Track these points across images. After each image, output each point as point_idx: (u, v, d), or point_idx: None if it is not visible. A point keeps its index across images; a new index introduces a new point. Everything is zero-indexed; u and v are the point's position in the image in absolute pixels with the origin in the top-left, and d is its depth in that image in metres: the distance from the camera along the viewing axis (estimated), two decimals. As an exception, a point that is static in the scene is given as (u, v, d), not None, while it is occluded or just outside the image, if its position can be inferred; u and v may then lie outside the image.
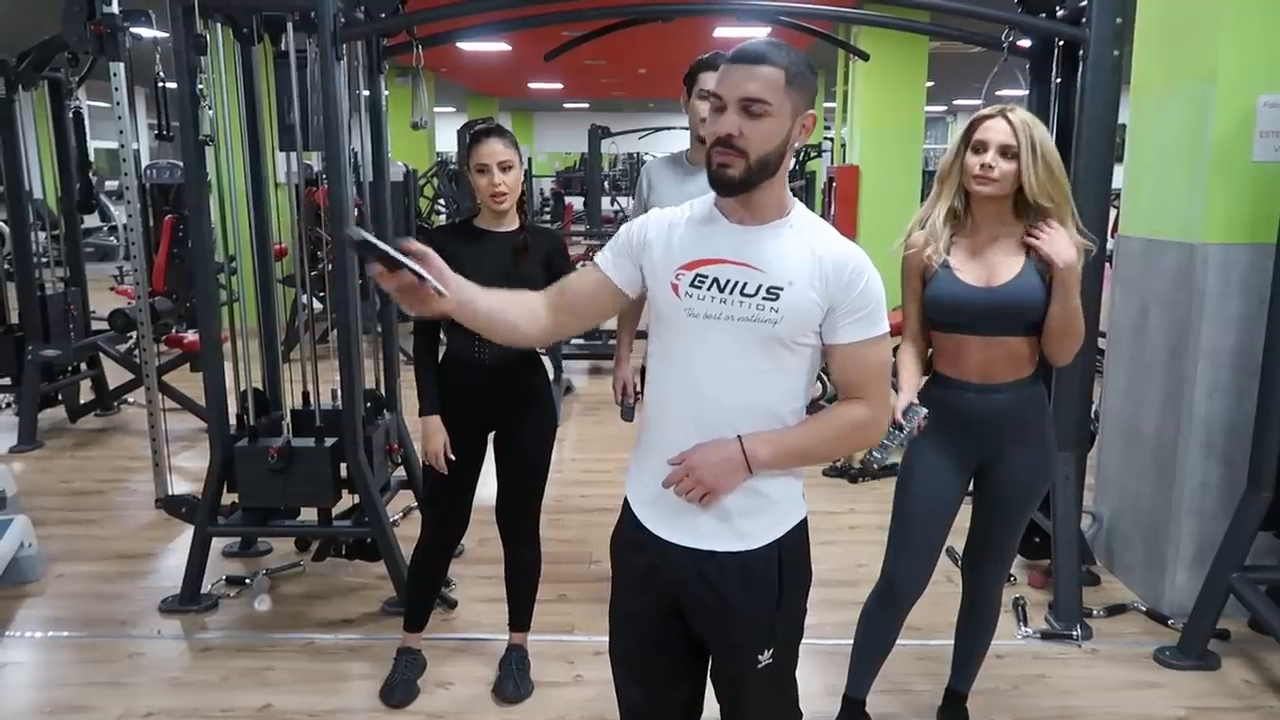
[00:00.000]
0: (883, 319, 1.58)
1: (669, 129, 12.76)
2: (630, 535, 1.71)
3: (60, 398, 5.69)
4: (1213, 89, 3.06)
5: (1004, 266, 2.19)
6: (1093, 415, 3.85)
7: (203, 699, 2.82)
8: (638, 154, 19.04)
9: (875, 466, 2.06)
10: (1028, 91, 3.54)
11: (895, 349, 1.95)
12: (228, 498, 3.31)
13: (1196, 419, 3.20)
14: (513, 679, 2.81)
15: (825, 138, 13.17)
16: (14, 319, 5.50)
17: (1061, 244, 2.11)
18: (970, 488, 2.39)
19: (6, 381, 5.49)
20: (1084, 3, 3.17)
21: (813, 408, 1.64)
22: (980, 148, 2.14)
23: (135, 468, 4.88)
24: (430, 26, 3.59)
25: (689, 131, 2.90)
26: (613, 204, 15.07)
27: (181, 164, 3.24)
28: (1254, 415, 3.01)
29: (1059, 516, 3.28)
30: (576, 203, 15.83)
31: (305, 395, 3.42)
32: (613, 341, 2.78)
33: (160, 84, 3.69)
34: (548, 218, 16.98)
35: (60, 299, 5.43)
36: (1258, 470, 2.96)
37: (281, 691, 2.86)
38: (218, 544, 3.61)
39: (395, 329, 3.81)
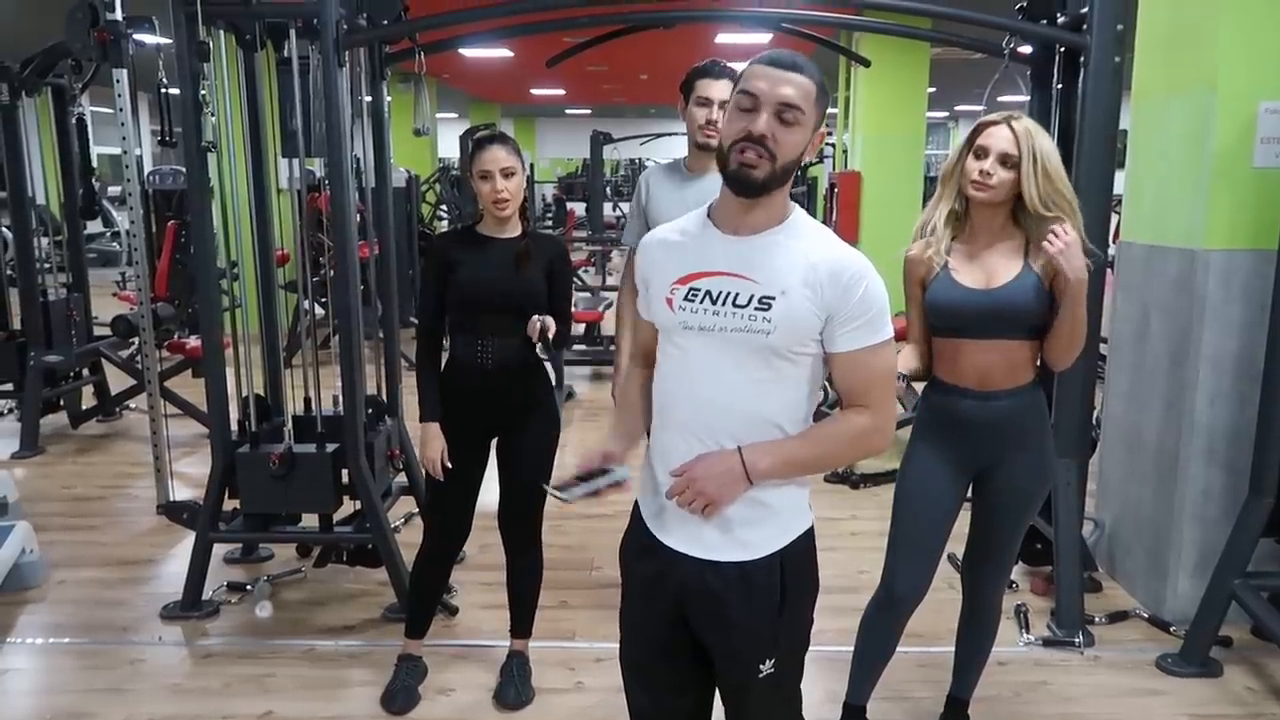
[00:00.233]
0: (884, 325, 1.56)
1: (671, 135, 12.79)
2: (638, 542, 1.71)
3: (62, 403, 5.69)
4: (1214, 95, 3.06)
5: (1002, 270, 2.20)
6: (1094, 421, 3.85)
7: (204, 705, 2.82)
8: (639, 160, 19.06)
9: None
10: (1029, 98, 3.55)
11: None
12: (229, 504, 3.31)
13: (1198, 425, 3.20)
14: (514, 685, 2.81)
15: (827, 143, 13.20)
16: (16, 324, 5.51)
17: (1076, 258, 2.08)
18: (969, 494, 2.39)
19: (9, 387, 5.50)
20: (1085, 9, 3.17)
21: (815, 415, 1.64)
22: (981, 153, 2.16)
23: (137, 473, 4.89)
24: (432, 33, 3.60)
25: (686, 139, 2.91)
26: (614, 209, 15.09)
27: (184, 170, 3.25)
28: (1256, 422, 3.00)
29: (1061, 523, 3.28)
30: (579, 208, 15.85)
31: (307, 401, 3.42)
32: (613, 348, 2.79)
33: (163, 90, 3.71)
34: (550, 223, 17.00)
35: (63, 304, 5.43)
36: (1259, 477, 2.95)
37: (283, 698, 2.85)
38: (219, 550, 3.61)
39: (397, 334, 3.82)
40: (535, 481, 2.72)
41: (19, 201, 5.21)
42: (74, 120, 5.25)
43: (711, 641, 1.67)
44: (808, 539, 1.66)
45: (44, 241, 5.69)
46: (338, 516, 3.37)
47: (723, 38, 10.04)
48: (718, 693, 1.78)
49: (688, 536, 1.63)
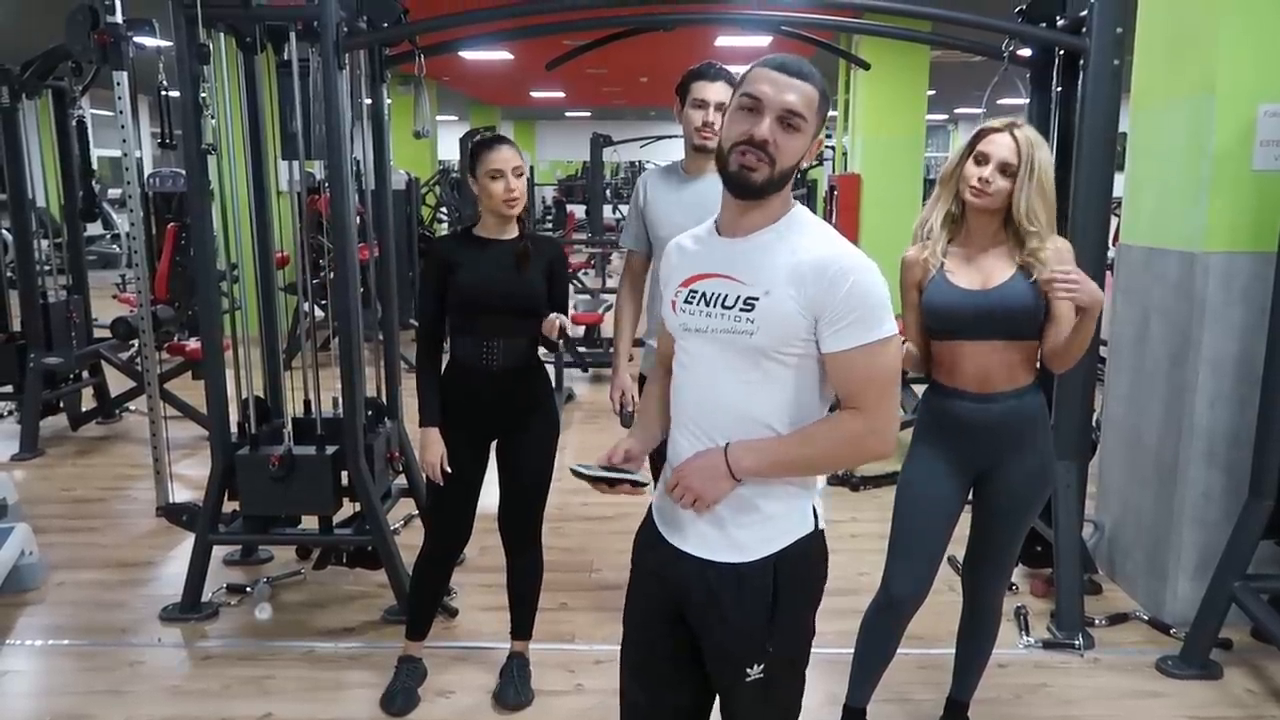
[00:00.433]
0: (878, 324, 1.49)
1: (670, 137, 12.79)
2: (648, 535, 1.74)
3: (62, 405, 5.69)
4: (1213, 98, 3.06)
5: (997, 272, 2.22)
6: (1094, 424, 3.85)
7: (203, 707, 2.82)
8: (639, 162, 19.08)
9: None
10: (1028, 100, 3.55)
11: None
12: (229, 505, 3.31)
13: (1198, 428, 3.20)
14: (513, 686, 2.81)
15: (826, 146, 13.21)
16: (16, 326, 5.51)
17: (1090, 287, 2.08)
18: (970, 496, 2.39)
19: (8, 389, 5.50)
20: (1084, 12, 3.18)
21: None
22: (982, 160, 2.17)
23: (136, 475, 4.89)
24: (432, 35, 3.61)
25: (684, 141, 2.91)
26: (614, 212, 15.10)
27: (184, 172, 3.25)
28: (1256, 424, 3.01)
29: (1061, 525, 3.28)
30: (578, 211, 15.86)
31: (306, 403, 3.42)
32: (613, 350, 2.79)
33: (163, 92, 3.71)
34: (550, 226, 17.01)
35: (63, 307, 5.44)
36: (1259, 479, 2.95)
37: (282, 700, 2.85)
38: (218, 552, 3.61)
39: (397, 337, 3.82)
40: (536, 483, 2.74)
41: (19, 204, 5.22)
42: (74, 123, 5.25)
43: (704, 640, 1.67)
44: (808, 545, 1.62)
45: (44, 244, 5.69)
46: (337, 518, 3.37)
47: (722, 40, 10.05)
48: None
49: (687, 534, 1.64)
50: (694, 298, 1.60)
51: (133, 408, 5.98)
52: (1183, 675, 2.97)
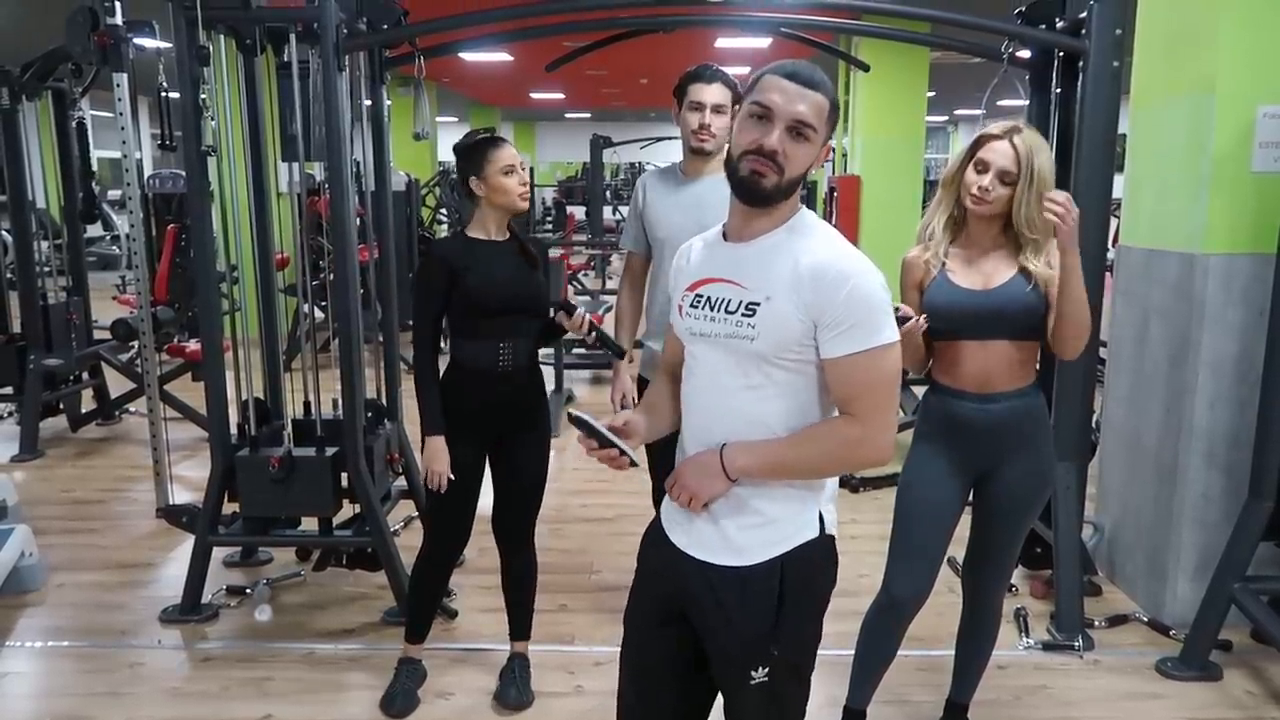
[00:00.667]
0: (877, 330, 1.49)
1: (670, 139, 12.77)
2: (656, 535, 1.74)
3: (62, 407, 5.69)
4: (1212, 100, 3.06)
5: (998, 273, 2.23)
6: (1094, 425, 3.85)
7: (203, 709, 2.82)
8: (639, 163, 19.07)
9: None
10: (1028, 102, 3.55)
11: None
12: (229, 507, 3.31)
13: (1198, 429, 3.20)
14: (515, 686, 2.81)
15: (827, 147, 13.18)
16: (16, 328, 5.51)
17: (1071, 223, 2.10)
18: (970, 497, 2.39)
19: (8, 390, 5.50)
20: (1083, 14, 3.18)
21: None
22: (981, 167, 2.18)
23: (136, 477, 4.88)
24: (432, 37, 3.61)
25: (681, 143, 2.92)
26: (614, 213, 15.09)
27: (184, 174, 3.25)
28: (1255, 425, 3.01)
29: (1060, 527, 3.28)
30: (578, 212, 15.86)
31: (306, 404, 3.42)
32: (606, 351, 2.80)
33: (163, 94, 3.71)
34: (549, 227, 17.01)
35: (62, 308, 5.44)
36: (1259, 480, 2.95)
37: (282, 702, 2.85)
38: (218, 553, 3.61)
39: (396, 338, 3.82)
40: (536, 483, 2.74)
41: (19, 205, 5.22)
42: (74, 124, 5.25)
43: (707, 642, 1.67)
44: (814, 550, 1.61)
45: (44, 245, 5.69)
46: (337, 520, 3.37)
47: (722, 42, 10.06)
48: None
49: (691, 537, 1.64)
50: (699, 302, 1.60)
51: (133, 409, 5.98)
52: (1182, 677, 2.97)
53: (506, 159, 2.55)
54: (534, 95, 17.97)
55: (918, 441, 2.36)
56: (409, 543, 3.21)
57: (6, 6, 8.61)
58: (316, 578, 3.58)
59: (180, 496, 4.15)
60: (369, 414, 3.41)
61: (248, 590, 3.49)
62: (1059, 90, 3.39)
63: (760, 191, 1.51)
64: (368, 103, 3.53)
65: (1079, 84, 3.23)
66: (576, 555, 3.91)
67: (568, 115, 23.74)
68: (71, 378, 5.66)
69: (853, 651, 2.47)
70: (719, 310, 1.57)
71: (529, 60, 11.64)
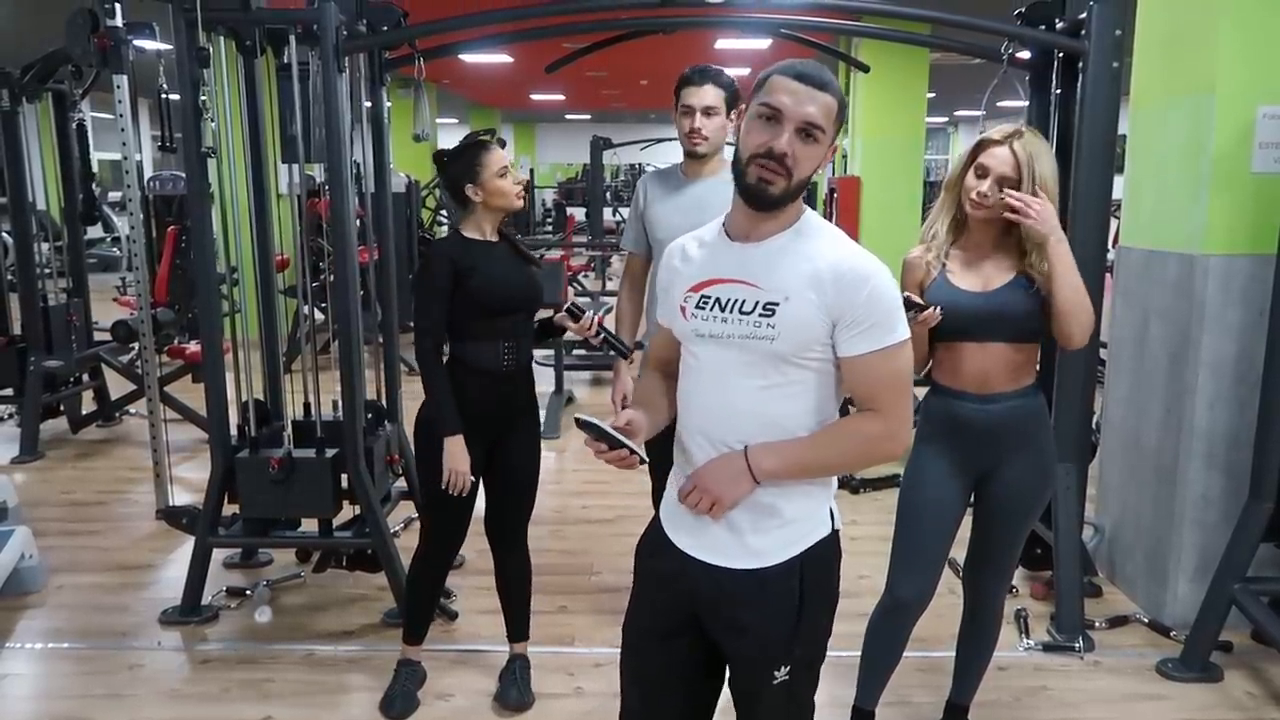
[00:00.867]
0: (894, 328, 1.53)
1: (670, 140, 12.77)
2: (654, 542, 1.72)
3: (62, 408, 5.69)
4: (1212, 100, 3.06)
5: (998, 275, 2.24)
6: (1094, 426, 3.85)
7: (203, 710, 2.82)
8: (639, 165, 19.07)
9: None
10: (1027, 103, 3.55)
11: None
12: (229, 508, 3.31)
13: (1198, 430, 3.20)
14: (516, 687, 2.81)
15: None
16: (17, 330, 5.51)
17: (1046, 214, 2.12)
18: (971, 498, 2.39)
19: (9, 392, 5.49)
20: (1083, 15, 3.18)
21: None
22: (981, 172, 2.18)
23: (136, 478, 4.88)
24: (432, 39, 3.61)
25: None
26: (614, 214, 15.10)
27: (184, 175, 3.25)
28: (1255, 426, 3.01)
29: (1060, 528, 3.28)
30: (578, 213, 15.87)
31: (306, 406, 3.42)
32: (612, 353, 2.80)
33: (163, 96, 3.71)
34: (549, 228, 17.02)
35: (63, 310, 5.44)
36: (1259, 481, 2.95)
37: (282, 703, 2.85)
38: (218, 555, 3.61)
39: (396, 340, 3.82)
40: (530, 481, 2.75)
41: (19, 207, 5.22)
42: (74, 126, 5.26)
43: (726, 646, 1.67)
44: (828, 547, 1.63)
45: (44, 246, 5.70)
46: (337, 521, 3.37)
47: (722, 44, 10.07)
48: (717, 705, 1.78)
49: (702, 541, 1.63)
50: (707, 303, 1.59)
51: (133, 410, 5.98)
52: (1183, 678, 2.97)
53: (499, 161, 2.56)
54: (534, 97, 17.99)
55: (919, 443, 2.36)
56: (409, 544, 3.20)
57: (6, 8, 8.62)
58: (316, 579, 3.58)
59: (180, 498, 4.16)
60: (369, 415, 3.41)
61: (248, 592, 3.49)
62: (1059, 91, 3.39)
63: (769, 198, 1.52)
64: (368, 104, 3.53)
65: (1079, 85, 3.23)
66: (576, 556, 3.91)
67: (568, 117, 23.76)
68: (72, 379, 5.66)
69: (854, 652, 2.47)
70: (732, 311, 1.56)
71: (529, 62, 11.65)
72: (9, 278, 5.60)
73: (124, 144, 4.11)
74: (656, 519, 1.76)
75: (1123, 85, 3.23)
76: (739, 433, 1.57)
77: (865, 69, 4.97)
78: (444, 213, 12.29)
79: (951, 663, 2.62)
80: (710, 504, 1.57)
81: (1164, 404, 3.33)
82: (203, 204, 3.23)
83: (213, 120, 3.14)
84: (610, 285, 11.24)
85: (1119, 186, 3.40)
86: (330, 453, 3.20)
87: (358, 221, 3.55)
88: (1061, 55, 3.35)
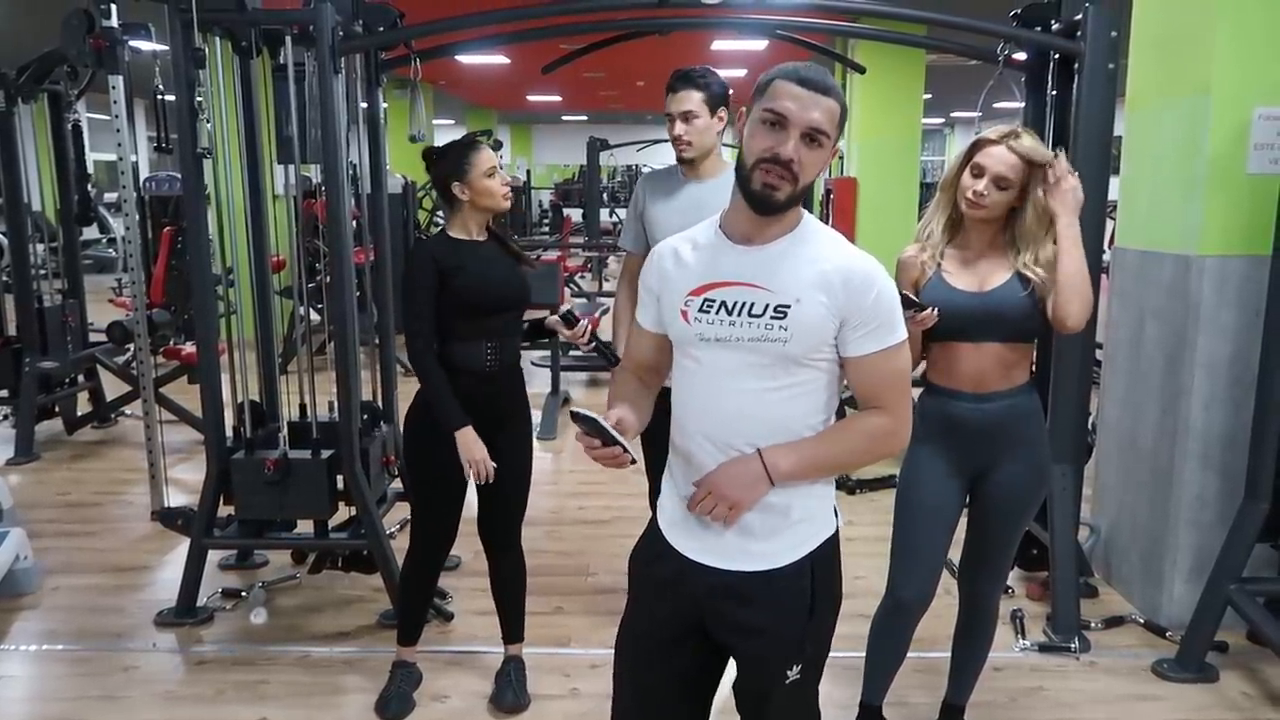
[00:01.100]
0: (894, 328, 1.57)
1: (667, 141, 12.77)
2: (653, 550, 1.70)
3: (57, 409, 5.68)
4: (1208, 102, 3.07)
5: (994, 275, 2.24)
6: (1090, 427, 3.85)
7: (198, 712, 2.81)
8: (636, 166, 19.07)
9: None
10: (1023, 104, 3.56)
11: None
12: (224, 510, 3.30)
13: (1193, 430, 3.20)
14: (511, 689, 2.81)
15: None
16: (12, 331, 5.49)
17: (1070, 188, 2.19)
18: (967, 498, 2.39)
19: (4, 393, 5.48)
20: (1079, 16, 3.18)
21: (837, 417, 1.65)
22: (977, 171, 2.18)
23: (132, 480, 4.87)
24: (428, 39, 3.60)
25: None
26: (611, 215, 15.10)
27: (180, 176, 3.25)
28: (1250, 426, 3.01)
29: (1057, 528, 3.28)
30: (575, 214, 15.86)
31: (302, 407, 3.42)
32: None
33: (159, 96, 3.70)
34: (546, 229, 17.01)
35: (58, 311, 5.42)
36: (1254, 482, 2.96)
37: (277, 705, 2.84)
38: (213, 556, 3.60)
39: (392, 341, 3.82)
40: (521, 482, 2.74)
41: (15, 207, 5.22)
42: (70, 126, 5.24)
43: (736, 648, 1.67)
44: (833, 545, 1.66)
45: (40, 247, 5.68)
46: (333, 522, 3.36)
47: (718, 45, 10.08)
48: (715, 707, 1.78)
49: (708, 545, 1.62)
50: (711, 306, 1.58)
51: (128, 412, 5.96)
52: (1179, 678, 2.97)
53: (488, 161, 2.55)
54: (531, 98, 17.99)
55: (915, 444, 2.36)
56: (405, 545, 3.20)
57: (2, 8, 8.61)
58: (312, 580, 3.57)
59: (176, 499, 4.14)
60: (365, 416, 3.41)
61: (243, 593, 3.49)
62: (1054, 92, 3.40)
63: (775, 203, 1.52)
64: (364, 105, 3.52)
65: (1074, 86, 3.24)
66: (573, 557, 3.91)
67: (565, 118, 23.76)
68: (67, 380, 5.65)
69: (852, 652, 2.47)
70: (740, 314, 1.56)
71: (525, 63, 11.65)
72: (4, 279, 5.59)
73: (119, 145, 4.10)
74: (652, 525, 1.75)
75: (1118, 87, 3.23)
76: (746, 435, 1.57)
77: (861, 70, 4.98)
78: (440, 214, 12.29)
79: (947, 663, 2.62)
80: (727, 509, 1.57)
81: (1160, 405, 3.33)
82: (198, 205, 3.23)
83: (208, 121, 3.14)
84: (607, 286, 11.24)
85: (1114, 187, 3.40)
86: (326, 454, 3.19)
87: (354, 222, 3.54)
88: (1057, 57, 3.35)
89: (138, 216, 4.38)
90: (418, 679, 2.88)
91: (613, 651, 1.79)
